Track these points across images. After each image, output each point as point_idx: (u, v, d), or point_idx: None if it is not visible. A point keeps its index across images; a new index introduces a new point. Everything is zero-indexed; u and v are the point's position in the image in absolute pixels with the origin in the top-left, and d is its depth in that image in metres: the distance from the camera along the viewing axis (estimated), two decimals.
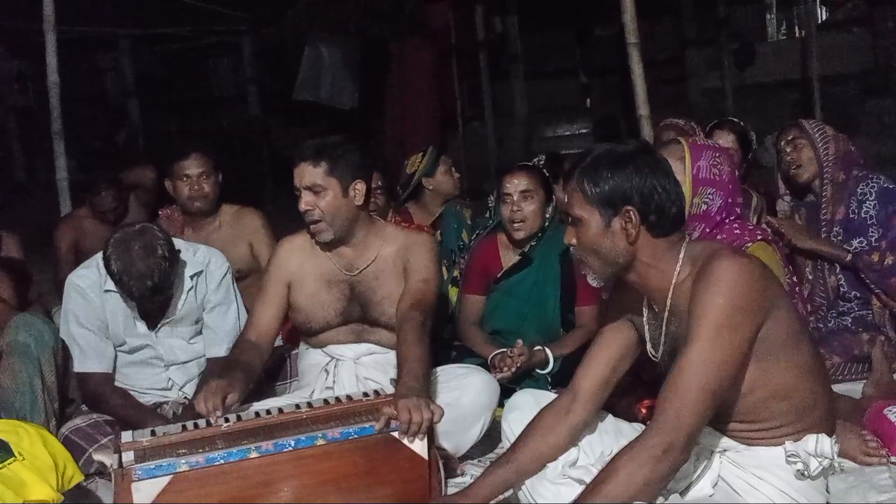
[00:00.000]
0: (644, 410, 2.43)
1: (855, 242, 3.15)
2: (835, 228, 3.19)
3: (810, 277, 3.25)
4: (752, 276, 1.74)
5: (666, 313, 1.86)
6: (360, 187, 2.56)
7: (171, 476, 1.96)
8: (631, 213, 1.79)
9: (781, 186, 3.43)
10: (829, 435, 1.85)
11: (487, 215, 3.89)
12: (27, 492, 1.98)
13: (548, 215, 3.23)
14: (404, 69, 8.50)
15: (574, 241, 1.88)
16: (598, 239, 1.83)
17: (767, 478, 1.84)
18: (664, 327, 1.88)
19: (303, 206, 2.54)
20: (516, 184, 3.17)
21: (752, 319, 1.72)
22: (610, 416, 2.12)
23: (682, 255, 1.84)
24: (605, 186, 1.80)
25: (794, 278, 3.14)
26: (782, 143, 3.29)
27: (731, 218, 2.62)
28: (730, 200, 2.60)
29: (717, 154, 2.59)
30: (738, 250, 1.93)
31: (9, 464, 2.00)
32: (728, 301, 1.70)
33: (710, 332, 1.70)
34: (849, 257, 3.11)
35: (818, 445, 1.81)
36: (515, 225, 3.17)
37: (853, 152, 3.26)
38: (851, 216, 3.17)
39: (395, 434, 2.09)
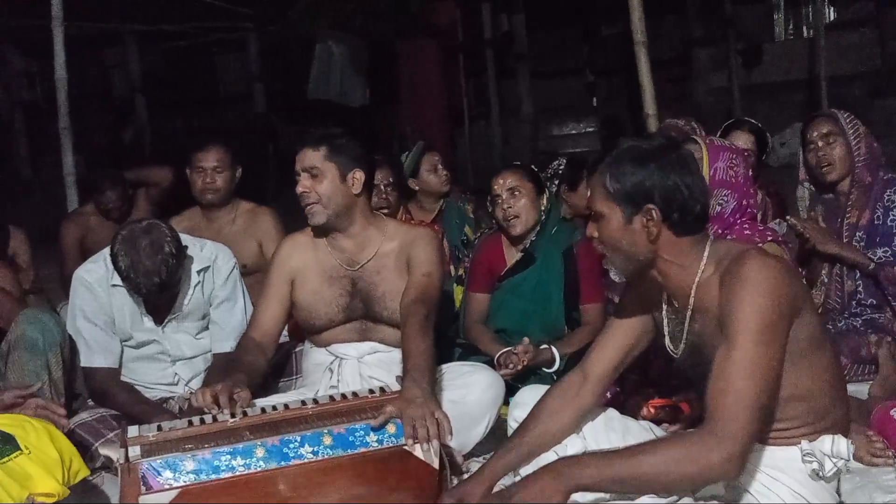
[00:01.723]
0: (653, 410, 2.41)
1: (879, 252, 3.00)
2: (857, 233, 3.04)
3: (825, 281, 3.12)
4: (786, 277, 1.72)
5: (689, 311, 1.84)
6: (358, 176, 2.57)
7: (179, 490, 1.95)
8: (653, 211, 1.77)
9: (802, 171, 3.24)
10: (845, 436, 1.83)
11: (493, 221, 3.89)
12: (33, 485, 1.98)
13: (542, 208, 3.23)
14: (411, 68, 8.51)
15: (595, 234, 1.86)
16: (618, 235, 1.81)
17: (781, 478, 1.83)
18: (686, 324, 1.86)
19: (299, 189, 2.56)
20: (502, 183, 3.19)
21: (789, 319, 1.71)
22: (617, 413, 2.11)
23: (706, 254, 1.81)
24: (627, 183, 1.77)
25: (805, 281, 3.10)
26: (815, 135, 3.08)
27: (743, 218, 2.61)
28: (744, 202, 2.59)
29: (734, 156, 2.57)
30: (765, 251, 1.89)
31: (15, 457, 2.00)
32: (766, 301, 1.67)
33: (755, 334, 1.67)
34: (872, 265, 2.96)
35: (834, 446, 1.79)
36: (510, 221, 3.18)
37: (878, 151, 3.09)
38: (876, 222, 3.01)
39: (406, 447, 2.08)
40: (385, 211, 3.70)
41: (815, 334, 1.78)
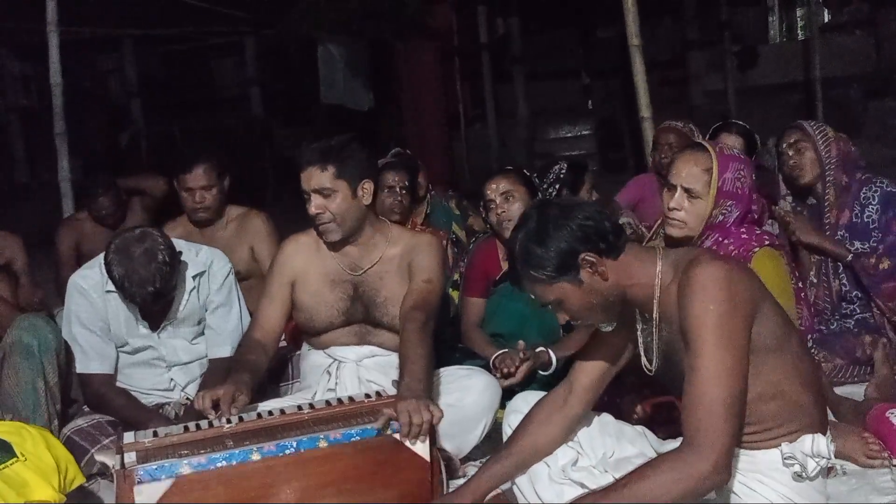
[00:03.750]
0: (648, 409, 2.41)
1: (858, 244, 3.12)
2: (839, 232, 3.16)
3: (814, 281, 3.22)
4: (737, 278, 1.75)
5: (656, 321, 1.87)
6: (367, 187, 2.57)
7: (174, 479, 1.96)
8: (587, 257, 1.81)
9: (783, 188, 3.41)
10: (823, 433, 1.85)
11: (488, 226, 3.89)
12: (29, 492, 1.98)
13: None
14: (409, 70, 8.51)
15: (567, 317, 1.90)
16: (583, 300, 1.85)
17: (767, 482, 1.84)
18: (656, 334, 1.89)
19: (313, 210, 2.54)
20: (495, 188, 3.20)
21: (746, 319, 1.74)
22: (612, 418, 2.12)
23: (659, 264, 1.85)
24: (551, 260, 1.81)
25: (800, 283, 3.14)
26: (784, 146, 3.25)
27: (743, 224, 2.61)
28: (747, 211, 2.59)
29: (742, 167, 2.56)
30: (717, 254, 1.94)
31: (11, 464, 2.00)
32: (720, 306, 1.71)
33: (714, 340, 1.69)
34: (850, 257, 3.08)
35: (814, 446, 1.82)
36: (504, 225, 3.18)
37: (854, 153, 3.22)
38: (855, 220, 3.13)
39: (397, 436, 2.10)
40: (397, 213, 3.72)
41: (777, 332, 1.80)
